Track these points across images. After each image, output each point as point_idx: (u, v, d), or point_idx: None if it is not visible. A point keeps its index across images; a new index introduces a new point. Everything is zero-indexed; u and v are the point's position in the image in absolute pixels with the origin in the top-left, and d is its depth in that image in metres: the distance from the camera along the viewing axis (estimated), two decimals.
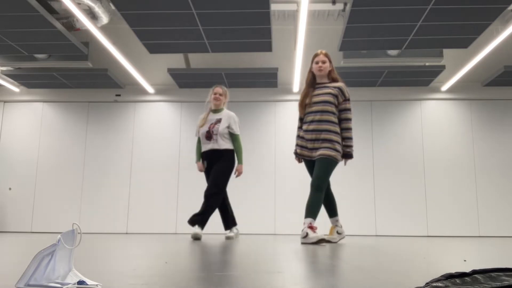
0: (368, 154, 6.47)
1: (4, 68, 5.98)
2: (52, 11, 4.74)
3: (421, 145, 6.48)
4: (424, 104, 6.59)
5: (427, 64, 5.74)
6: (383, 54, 5.39)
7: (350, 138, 3.52)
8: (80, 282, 0.91)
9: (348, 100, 3.57)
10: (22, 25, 4.35)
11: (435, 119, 6.54)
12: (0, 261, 1.66)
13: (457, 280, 0.77)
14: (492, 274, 0.78)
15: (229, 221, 4.26)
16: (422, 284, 0.87)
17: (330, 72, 3.62)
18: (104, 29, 5.05)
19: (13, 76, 6.17)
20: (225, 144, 4.15)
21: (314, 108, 3.49)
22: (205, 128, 4.21)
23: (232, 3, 3.90)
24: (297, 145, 3.63)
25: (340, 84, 3.58)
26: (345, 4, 4.90)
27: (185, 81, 6.26)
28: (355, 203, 6.35)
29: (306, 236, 3.23)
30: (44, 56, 5.47)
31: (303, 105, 3.57)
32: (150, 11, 4.05)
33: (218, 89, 4.36)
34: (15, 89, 6.73)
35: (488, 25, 4.31)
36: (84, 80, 6.30)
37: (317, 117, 3.46)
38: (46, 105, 6.84)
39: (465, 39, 4.67)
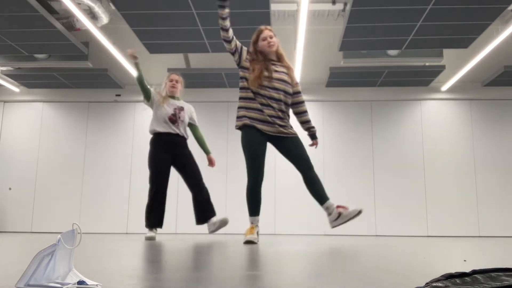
0: (368, 154, 6.46)
1: (4, 68, 5.98)
2: (52, 11, 4.74)
3: (421, 145, 6.48)
4: (424, 104, 6.59)
5: (427, 64, 5.74)
6: (383, 54, 5.39)
7: (310, 120, 3.42)
8: (80, 282, 0.91)
9: (297, 83, 3.39)
10: (22, 25, 4.34)
11: (435, 119, 6.54)
12: (0, 261, 1.66)
13: (457, 280, 0.77)
14: (492, 274, 0.78)
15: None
16: (422, 284, 0.87)
17: (277, 48, 3.28)
18: (104, 29, 5.04)
19: (13, 76, 6.17)
20: (186, 133, 4.02)
21: (277, 85, 3.19)
22: (170, 110, 3.88)
23: (232, 3, 3.90)
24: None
25: (290, 65, 3.35)
26: (345, 4, 4.90)
27: (185, 81, 6.25)
28: (355, 203, 6.35)
29: (339, 216, 3.11)
30: (44, 56, 5.47)
31: (261, 77, 3.14)
32: (150, 11, 4.05)
33: (174, 76, 4.07)
34: (15, 89, 6.73)
35: (488, 25, 4.31)
36: (84, 80, 6.30)
37: (282, 96, 3.20)
38: (46, 105, 6.84)
39: (465, 39, 4.67)
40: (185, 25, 4.34)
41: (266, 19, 4.21)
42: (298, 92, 3.37)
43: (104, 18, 4.83)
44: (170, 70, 5.85)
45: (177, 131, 3.89)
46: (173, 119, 3.88)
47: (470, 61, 5.68)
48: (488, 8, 3.96)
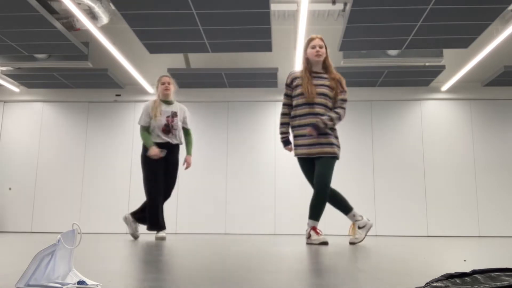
0: (368, 154, 6.46)
1: (4, 68, 5.98)
2: (52, 11, 4.74)
3: (421, 145, 6.48)
4: (424, 104, 6.59)
5: (427, 64, 5.74)
6: (383, 54, 5.38)
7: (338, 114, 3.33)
8: (80, 282, 0.91)
9: (345, 92, 3.37)
10: (22, 25, 4.34)
11: (435, 119, 6.54)
12: (0, 261, 1.66)
13: (457, 280, 0.77)
14: (492, 274, 0.78)
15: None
16: (422, 284, 0.87)
17: (325, 59, 3.35)
18: (104, 29, 5.04)
19: (13, 76, 6.16)
20: (180, 139, 4.09)
21: (317, 100, 3.24)
22: (162, 121, 3.96)
23: (232, 3, 3.90)
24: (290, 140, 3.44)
25: (338, 75, 3.38)
26: (345, 4, 4.90)
27: (185, 81, 6.25)
28: (355, 203, 6.34)
29: (309, 237, 3.30)
30: (44, 56, 5.47)
31: (312, 93, 3.20)
32: (150, 11, 4.04)
33: (166, 78, 4.08)
34: (15, 89, 6.73)
35: (488, 25, 4.31)
36: (84, 80, 6.30)
37: (317, 110, 3.23)
38: (46, 105, 6.84)
39: (465, 39, 4.67)
40: (185, 25, 4.33)
41: (266, 19, 4.20)
42: (341, 100, 3.35)
43: (104, 18, 4.82)
44: (170, 70, 5.87)
45: (170, 141, 4.02)
46: (166, 129, 4.00)
47: (470, 61, 5.68)
48: (488, 8, 3.96)
